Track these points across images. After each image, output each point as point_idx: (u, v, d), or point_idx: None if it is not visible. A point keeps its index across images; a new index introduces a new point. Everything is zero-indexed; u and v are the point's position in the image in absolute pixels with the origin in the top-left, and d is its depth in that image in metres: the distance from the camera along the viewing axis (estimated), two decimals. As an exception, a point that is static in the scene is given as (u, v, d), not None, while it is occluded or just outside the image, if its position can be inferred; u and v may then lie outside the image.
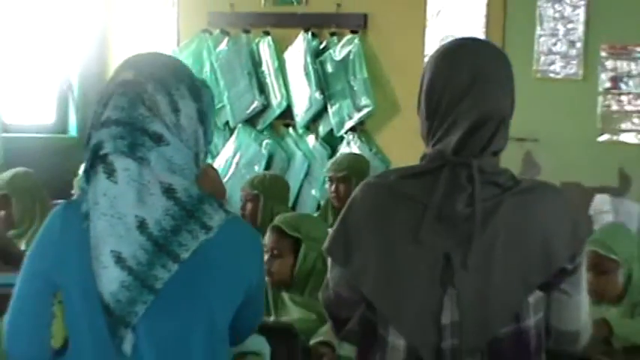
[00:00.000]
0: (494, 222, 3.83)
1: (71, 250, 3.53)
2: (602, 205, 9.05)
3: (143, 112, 3.46)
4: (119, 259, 3.39)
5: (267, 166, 10.50)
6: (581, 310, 3.99)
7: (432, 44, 9.76)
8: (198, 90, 3.63)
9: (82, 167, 3.67)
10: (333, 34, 10.20)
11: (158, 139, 3.45)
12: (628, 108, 9.02)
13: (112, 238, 3.41)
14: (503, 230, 3.84)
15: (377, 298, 3.96)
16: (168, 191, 3.47)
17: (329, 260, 4.13)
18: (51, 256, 3.58)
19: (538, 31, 9.40)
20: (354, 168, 9.10)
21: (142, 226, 3.41)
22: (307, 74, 10.22)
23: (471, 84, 3.87)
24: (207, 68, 10.95)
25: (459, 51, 4.05)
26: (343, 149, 10.14)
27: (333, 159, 9.63)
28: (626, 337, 5.26)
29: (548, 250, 3.88)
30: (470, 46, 4.22)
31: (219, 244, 3.52)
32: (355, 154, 9.87)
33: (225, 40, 10.73)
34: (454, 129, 3.82)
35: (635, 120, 9.03)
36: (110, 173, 3.43)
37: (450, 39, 8.65)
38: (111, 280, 3.39)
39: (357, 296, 4.03)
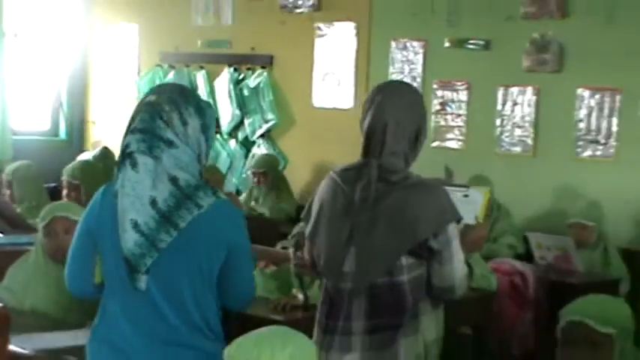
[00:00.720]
0: (380, 205, 4.43)
1: (106, 217, 3.99)
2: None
3: (160, 124, 3.90)
4: (135, 225, 3.86)
5: None
6: (455, 275, 4.47)
7: (318, 78, 10.30)
8: (202, 109, 4.03)
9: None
10: (248, 69, 10.78)
11: (169, 144, 3.88)
12: (451, 123, 9.54)
13: (132, 210, 3.87)
14: (386, 211, 4.40)
15: (313, 248, 4.71)
16: (173, 180, 3.88)
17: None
18: (93, 221, 4.08)
19: (391, 70, 9.90)
20: (269, 165, 10.01)
21: (153, 203, 3.87)
22: (230, 97, 10.78)
23: (371, 103, 4.48)
24: None
25: (377, 87, 4.65)
26: (255, 150, 10.72)
27: (255, 159, 10.35)
28: None
29: (415, 227, 4.36)
30: (386, 83, 5.14)
31: (207, 217, 3.90)
32: (269, 154, 10.40)
33: (172, 72, 11.26)
34: (364, 137, 4.50)
35: (456, 132, 9.49)
36: (134, 165, 3.88)
37: (329, 74, 9.39)
38: (128, 240, 3.87)
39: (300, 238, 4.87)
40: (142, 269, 3.91)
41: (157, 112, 3.93)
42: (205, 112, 4.04)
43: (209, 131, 4.04)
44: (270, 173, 10.12)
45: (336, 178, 4.61)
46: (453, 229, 4.47)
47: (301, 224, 4.88)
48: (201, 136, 3.99)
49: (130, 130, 3.96)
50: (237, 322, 5.27)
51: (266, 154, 10.55)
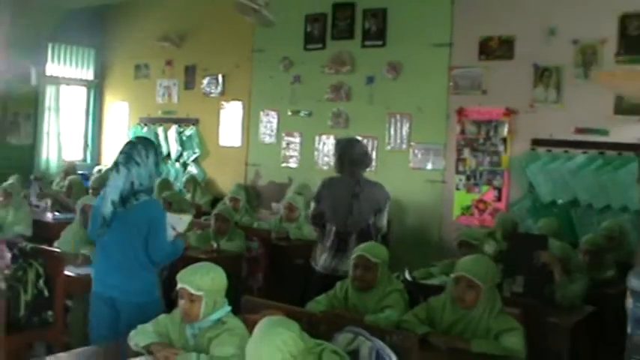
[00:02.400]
0: (361, 194, 5.04)
1: (100, 199, 4.08)
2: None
3: (134, 153, 3.96)
4: (112, 202, 3.94)
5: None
6: (383, 222, 5.15)
7: (223, 130, 10.10)
8: (156, 152, 4.06)
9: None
10: (186, 125, 10.49)
11: (137, 164, 3.94)
12: (292, 154, 9.32)
13: (110, 194, 3.95)
14: (364, 197, 5.06)
15: (327, 211, 5.11)
16: (131, 184, 3.92)
17: (312, 201, 5.22)
18: (99, 199, 4.13)
19: (260, 127, 9.61)
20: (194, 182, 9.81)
21: (120, 193, 3.93)
22: (176, 140, 10.56)
23: (338, 145, 5.27)
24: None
25: (339, 140, 5.44)
26: (189, 169, 10.38)
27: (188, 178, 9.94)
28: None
29: (378, 203, 5.11)
30: (344, 138, 5.60)
31: (139, 206, 3.94)
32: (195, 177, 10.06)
33: (146, 127, 10.99)
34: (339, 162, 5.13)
35: (294, 158, 9.27)
36: (117, 171, 3.96)
37: (228, 129, 9.15)
38: (107, 209, 3.95)
39: (320, 212, 5.15)
40: (110, 224, 3.96)
41: (135, 147, 4.01)
42: (157, 156, 4.08)
43: (157, 165, 4.07)
44: (195, 184, 9.93)
45: (335, 180, 5.17)
46: (387, 204, 5.18)
47: (313, 204, 5.22)
48: (154, 165, 4.03)
49: (119, 152, 4.04)
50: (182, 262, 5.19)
51: (194, 176, 10.32)
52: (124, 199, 3.93)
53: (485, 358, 3.58)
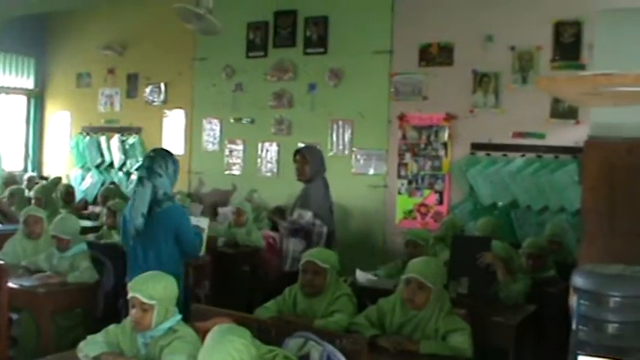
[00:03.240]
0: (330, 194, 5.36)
1: (128, 209, 4.34)
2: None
3: (154, 165, 4.26)
4: (142, 215, 4.19)
5: (102, 184, 10.23)
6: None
7: (166, 138, 9.90)
8: (174, 162, 4.36)
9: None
10: (129, 134, 10.27)
11: (159, 175, 4.24)
12: (235, 161, 9.24)
13: (140, 207, 4.18)
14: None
15: (322, 215, 5.18)
16: (156, 194, 4.22)
17: (301, 210, 5.19)
18: (127, 212, 4.37)
19: (203, 134, 9.48)
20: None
21: (148, 205, 4.20)
22: (119, 149, 10.32)
23: (298, 153, 5.39)
24: (80, 147, 10.74)
25: (299, 148, 5.57)
26: (132, 177, 9.88)
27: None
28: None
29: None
30: (305, 146, 5.85)
31: (164, 212, 4.24)
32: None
33: (88, 137, 10.73)
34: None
35: (237, 165, 9.18)
36: (142, 185, 4.23)
37: (172, 136, 8.97)
38: (138, 221, 4.19)
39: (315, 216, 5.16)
40: (140, 231, 4.22)
41: (155, 160, 4.30)
42: (175, 164, 4.39)
43: (176, 173, 4.38)
44: None
45: (313, 186, 5.29)
46: None
47: (308, 212, 5.22)
48: (173, 173, 4.34)
49: (139, 168, 4.40)
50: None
51: None
52: (150, 209, 4.22)
53: (434, 358, 3.63)
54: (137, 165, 10.04)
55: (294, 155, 5.54)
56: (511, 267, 4.94)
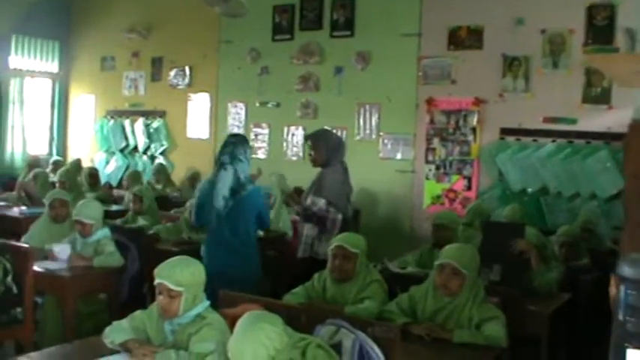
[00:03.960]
0: (348, 179, 5.23)
1: (206, 192, 4.68)
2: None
3: (236, 151, 4.58)
4: (223, 197, 4.54)
5: (127, 169, 10.25)
6: None
7: (190, 122, 9.96)
8: (250, 147, 4.74)
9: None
10: (154, 118, 10.32)
11: (239, 160, 4.57)
12: (260, 145, 9.16)
13: (222, 190, 4.54)
14: (349, 181, 5.25)
15: (335, 201, 5.08)
16: (237, 178, 4.56)
17: (314, 197, 5.09)
18: (201, 195, 4.76)
19: (228, 119, 9.50)
20: (161, 171, 9.54)
21: (229, 188, 4.53)
22: (143, 133, 10.37)
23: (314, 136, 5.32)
24: (105, 130, 10.77)
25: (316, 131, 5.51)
26: (157, 161, 10.13)
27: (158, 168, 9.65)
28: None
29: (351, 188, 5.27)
30: (321, 129, 5.73)
31: (248, 195, 4.60)
32: (162, 165, 9.83)
33: (112, 121, 10.77)
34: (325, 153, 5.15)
35: (263, 149, 9.16)
36: (225, 169, 4.55)
37: (193, 120, 8.95)
38: (220, 204, 4.54)
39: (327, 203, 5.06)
40: (223, 214, 4.56)
41: (237, 146, 4.62)
42: (250, 148, 4.76)
43: (249, 156, 4.72)
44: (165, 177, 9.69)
45: (328, 171, 5.16)
46: None
47: (322, 200, 5.11)
48: (249, 158, 4.69)
49: (222, 153, 4.62)
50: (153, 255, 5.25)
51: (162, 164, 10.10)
52: (233, 193, 4.53)
53: (467, 347, 3.52)
54: (159, 150, 10.29)
55: (305, 141, 5.55)
56: (544, 254, 4.82)
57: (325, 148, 5.29)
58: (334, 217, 5.17)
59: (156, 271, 3.12)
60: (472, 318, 3.65)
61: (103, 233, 5.13)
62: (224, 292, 3.67)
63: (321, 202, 5.11)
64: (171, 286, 3.06)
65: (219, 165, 4.61)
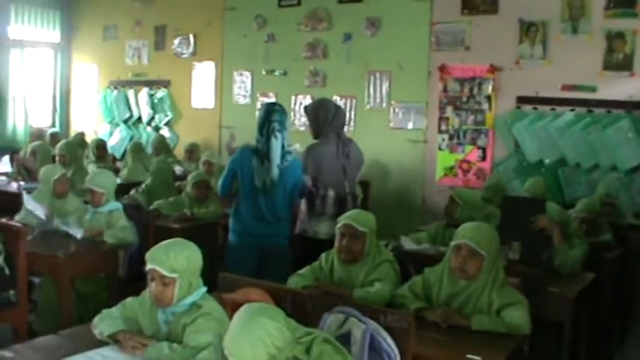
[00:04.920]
0: (349, 152, 5.11)
1: (245, 162, 4.64)
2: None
3: (283, 119, 4.60)
4: (277, 166, 4.56)
5: (130, 140, 10.05)
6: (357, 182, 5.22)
7: (195, 92, 9.82)
8: (287, 116, 4.69)
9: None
10: (158, 88, 10.18)
11: (286, 128, 4.59)
12: None
13: (275, 158, 4.54)
14: (351, 154, 5.11)
15: (324, 177, 4.99)
16: (283, 146, 4.58)
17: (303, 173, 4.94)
18: (236, 163, 4.70)
19: (234, 87, 9.35)
20: (160, 143, 9.27)
21: (280, 156, 4.57)
22: (147, 103, 10.22)
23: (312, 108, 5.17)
24: (108, 102, 10.63)
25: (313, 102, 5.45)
26: (162, 132, 10.02)
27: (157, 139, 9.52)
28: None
29: (360, 165, 5.24)
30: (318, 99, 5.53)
31: (290, 165, 4.64)
32: (162, 136, 9.71)
33: (116, 91, 10.60)
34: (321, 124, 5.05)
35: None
36: (275, 137, 4.54)
37: (198, 89, 8.78)
38: (274, 172, 4.56)
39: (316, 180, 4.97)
40: (276, 185, 4.60)
41: (283, 114, 4.63)
42: (288, 117, 4.74)
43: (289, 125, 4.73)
44: (159, 150, 9.61)
45: (319, 144, 5.05)
46: (363, 162, 5.38)
47: (305, 176, 4.94)
48: (289, 127, 4.72)
49: (270, 121, 4.57)
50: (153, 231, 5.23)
51: (162, 136, 9.96)
52: (281, 161, 4.58)
53: (487, 335, 3.29)
54: (164, 121, 10.18)
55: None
56: (567, 231, 4.58)
57: (314, 118, 5.17)
58: (324, 194, 5.04)
59: (147, 255, 2.89)
60: (492, 303, 3.42)
61: (116, 205, 4.97)
62: (223, 275, 3.45)
63: (306, 179, 4.99)
64: (165, 273, 2.84)
65: (270, 132, 4.55)
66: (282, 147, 4.59)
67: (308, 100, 8.58)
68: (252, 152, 4.61)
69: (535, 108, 7.05)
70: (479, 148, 7.48)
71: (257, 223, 4.68)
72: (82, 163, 7.89)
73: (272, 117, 4.58)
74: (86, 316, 4.20)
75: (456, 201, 5.04)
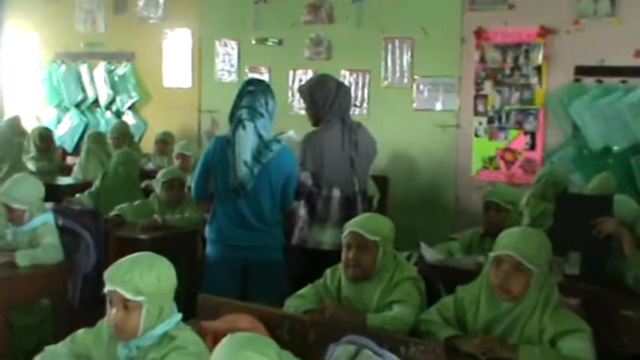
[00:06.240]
0: (358, 141, 5.14)
1: (218, 157, 4.72)
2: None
3: (256, 104, 4.63)
4: (245, 163, 4.58)
5: (85, 129, 10.26)
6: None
7: (167, 67, 9.92)
8: (273, 98, 4.76)
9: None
10: (119, 62, 10.25)
11: (261, 115, 4.63)
12: None
13: (242, 154, 4.58)
14: (360, 142, 5.14)
15: (326, 174, 5.06)
16: (260, 136, 4.63)
17: (300, 168, 5.06)
18: (209, 157, 4.78)
19: (216, 60, 9.49)
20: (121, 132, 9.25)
21: (251, 150, 4.59)
22: (105, 82, 10.28)
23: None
24: (54, 79, 10.70)
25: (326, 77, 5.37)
26: (124, 118, 10.12)
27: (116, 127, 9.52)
28: None
29: (372, 155, 5.29)
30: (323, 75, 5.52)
31: (276, 157, 4.66)
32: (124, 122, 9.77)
33: (63, 66, 10.65)
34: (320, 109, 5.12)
35: None
36: (243, 127, 4.59)
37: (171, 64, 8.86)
38: (241, 171, 4.57)
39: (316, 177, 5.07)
40: (248, 187, 4.62)
41: (256, 98, 4.67)
42: (274, 99, 4.78)
43: (275, 110, 4.78)
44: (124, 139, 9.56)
45: (319, 133, 5.14)
46: (376, 152, 5.45)
47: (303, 172, 5.06)
48: (273, 112, 4.75)
49: (240, 107, 4.67)
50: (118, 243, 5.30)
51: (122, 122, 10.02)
52: (256, 156, 4.62)
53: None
54: (126, 105, 10.24)
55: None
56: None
57: (311, 100, 5.23)
58: (327, 194, 5.11)
59: (106, 274, 2.90)
60: (544, 330, 3.41)
61: (43, 219, 4.93)
62: (203, 298, 3.52)
63: (305, 176, 5.07)
64: (128, 296, 2.84)
65: (236, 123, 4.65)
66: (260, 137, 4.65)
67: (310, 76, 8.57)
68: (227, 143, 4.71)
69: (599, 81, 7.06)
70: (526, 133, 7.49)
71: (237, 230, 4.75)
72: (20, 158, 7.95)
73: (239, 102, 4.72)
74: (23, 355, 4.24)
75: (502, 207, 5.08)
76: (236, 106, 4.70)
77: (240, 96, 4.73)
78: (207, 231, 4.86)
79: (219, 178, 4.74)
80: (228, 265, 4.73)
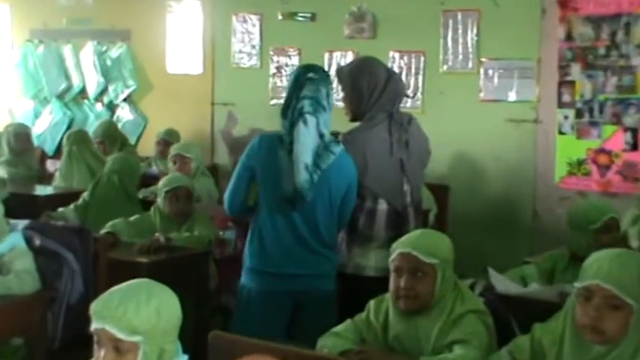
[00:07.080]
0: (410, 140, 5.11)
1: (266, 157, 4.72)
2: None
3: (320, 96, 4.62)
4: (306, 167, 4.53)
5: (69, 125, 10.41)
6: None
7: (172, 49, 10.12)
8: (332, 88, 4.84)
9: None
10: (112, 42, 10.43)
11: (323, 109, 4.64)
12: (286, 84, 9.57)
13: (302, 156, 4.54)
14: (412, 142, 5.12)
15: (371, 183, 5.01)
16: (321, 135, 4.64)
17: None
18: (254, 159, 4.76)
19: (233, 40, 9.62)
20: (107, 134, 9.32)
21: (313, 152, 4.59)
22: (95, 67, 10.45)
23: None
24: (30, 64, 10.87)
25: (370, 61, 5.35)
26: (119, 112, 10.39)
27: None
28: None
29: (425, 157, 5.32)
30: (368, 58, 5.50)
31: (337, 162, 4.68)
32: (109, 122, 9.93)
33: (42, 46, 10.84)
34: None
35: None
36: (305, 122, 4.56)
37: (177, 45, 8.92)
38: (301, 177, 4.51)
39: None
40: (308, 197, 4.56)
41: (319, 88, 4.64)
42: (333, 90, 4.82)
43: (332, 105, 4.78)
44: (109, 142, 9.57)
45: (361, 131, 5.11)
46: (430, 154, 5.47)
47: None
48: (332, 107, 4.75)
49: (298, 97, 4.63)
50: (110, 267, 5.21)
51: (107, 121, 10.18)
52: (316, 159, 4.61)
53: None
54: (122, 95, 10.39)
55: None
56: None
57: (353, 90, 5.17)
58: (372, 207, 5.06)
59: (93, 307, 2.89)
60: (647, 382, 3.37)
61: (10, 243, 4.91)
62: (215, 335, 3.57)
63: None
64: (120, 335, 2.82)
65: (297, 115, 4.61)
66: (321, 136, 4.64)
67: (350, 59, 8.64)
68: (279, 141, 4.70)
69: None
70: (626, 129, 7.50)
71: (291, 253, 4.76)
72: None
73: (298, 90, 4.65)
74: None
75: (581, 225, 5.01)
76: (292, 97, 4.66)
77: (298, 84, 4.68)
78: (247, 256, 4.83)
79: (269, 186, 4.72)
80: (276, 302, 4.72)
